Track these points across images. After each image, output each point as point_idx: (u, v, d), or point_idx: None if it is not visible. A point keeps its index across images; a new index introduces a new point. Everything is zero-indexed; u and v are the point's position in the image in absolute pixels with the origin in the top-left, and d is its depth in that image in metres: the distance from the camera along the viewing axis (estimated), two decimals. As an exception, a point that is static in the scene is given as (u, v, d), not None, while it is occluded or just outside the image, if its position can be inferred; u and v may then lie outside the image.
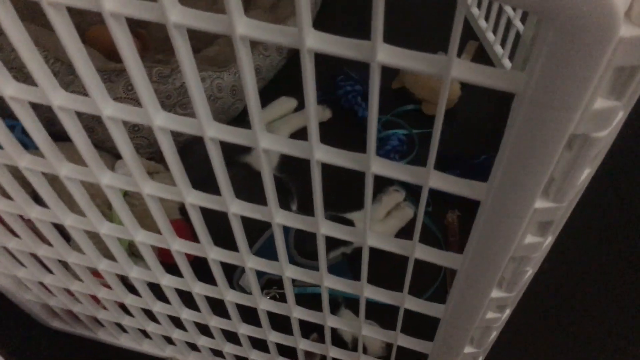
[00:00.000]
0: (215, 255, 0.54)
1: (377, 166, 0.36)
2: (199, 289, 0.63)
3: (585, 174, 0.32)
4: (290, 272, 0.53)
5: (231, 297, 0.62)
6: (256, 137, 0.37)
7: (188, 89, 0.35)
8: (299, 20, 0.28)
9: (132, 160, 0.44)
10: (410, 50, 0.28)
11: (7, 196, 0.56)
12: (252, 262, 0.54)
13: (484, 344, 0.55)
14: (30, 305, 0.87)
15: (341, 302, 0.92)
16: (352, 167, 0.36)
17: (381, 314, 0.73)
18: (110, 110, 0.39)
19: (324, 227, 0.44)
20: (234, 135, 0.38)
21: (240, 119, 1.13)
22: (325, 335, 0.64)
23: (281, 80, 1.22)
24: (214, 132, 0.38)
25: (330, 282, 0.52)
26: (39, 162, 0.48)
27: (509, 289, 0.44)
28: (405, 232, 1.01)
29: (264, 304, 0.62)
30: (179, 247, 0.55)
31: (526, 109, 0.27)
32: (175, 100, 1.00)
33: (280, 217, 0.45)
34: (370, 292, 0.52)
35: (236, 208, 0.46)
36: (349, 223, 0.95)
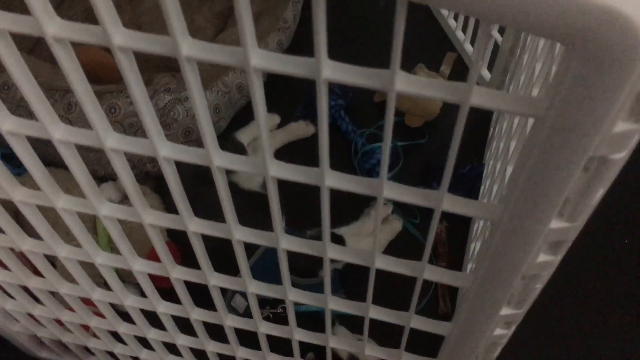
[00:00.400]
0: (216, 281, 0.54)
1: (389, 191, 0.36)
2: (197, 315, 0.62)
3: (600, 194, 0.32)
4: (293, 295, 0.53)
5: (231, 322, 0.62)
6: (266, 166, 0.36)
7: (198, 121, 0.35)
8: (317, 51, 0.28)
9: (133, 190, 0.43)
10: (428, 79, 0.28)
11: (-2, 229, 0.55)
12: (254, 287, 0.53)
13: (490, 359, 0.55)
14: (17, 337, 0.85)
15: (335, 319, 0.92)
16: (362, 192, 0.36)
17: (375, 327, 0.73)
18: (113, 142, 0.38)
19: (332, 251, 0.44)
20: (241, 164, 0.37)
21: (224, 138, 1.12)
22: (327, 356, 0.63)
23: (263, 96, 1.21)
24: (221, 162, 0.37)
25: (335, 304, 0.52)
26: (35, 195, 0.47)
27: (518, 306, 0.44)
28: (394, 245, 1.02)
29: (265, 328, 0.61)
30: (178, 274, 0.54)
31: (546, 134, 0.27)
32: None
33: (286, 243, 0.45)
34: (375, 313, 0.52)
35: (241, 235, 0.45)
36: (339, 239, 0.95)
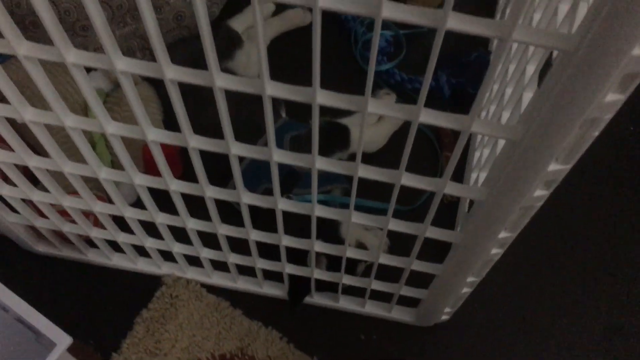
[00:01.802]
0: (236, 150, 0.51)
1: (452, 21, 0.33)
2: (212, 193, 0.59)
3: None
4: (320, 163, 0.50)
5: (248, 199, 0.59)
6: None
7: None
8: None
9: (157, 40, 0.39)
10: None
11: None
12: (277, 156, 0.50)
13: (518, 228, 0.54)
14: (13, 229, 0.81)
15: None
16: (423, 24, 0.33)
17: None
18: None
19: (372, 106, 0.41)
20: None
21: (217, 25, 1.06)
22: (349, 228, 0.61)
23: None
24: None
25: (364, 172, 0.50)
26: (41, 48, 0.42)
27: (566, 160, 0.42)
28: (400, 135, 0.99)
29: (284, 205, 0.59)
30: (197, 144, 0.51)
31: None
32: (125, 10, 0.92)
33: (323, 98, 0.41)
34: (407, 180, 0.49)
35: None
36: (344, 128, 0.92)
